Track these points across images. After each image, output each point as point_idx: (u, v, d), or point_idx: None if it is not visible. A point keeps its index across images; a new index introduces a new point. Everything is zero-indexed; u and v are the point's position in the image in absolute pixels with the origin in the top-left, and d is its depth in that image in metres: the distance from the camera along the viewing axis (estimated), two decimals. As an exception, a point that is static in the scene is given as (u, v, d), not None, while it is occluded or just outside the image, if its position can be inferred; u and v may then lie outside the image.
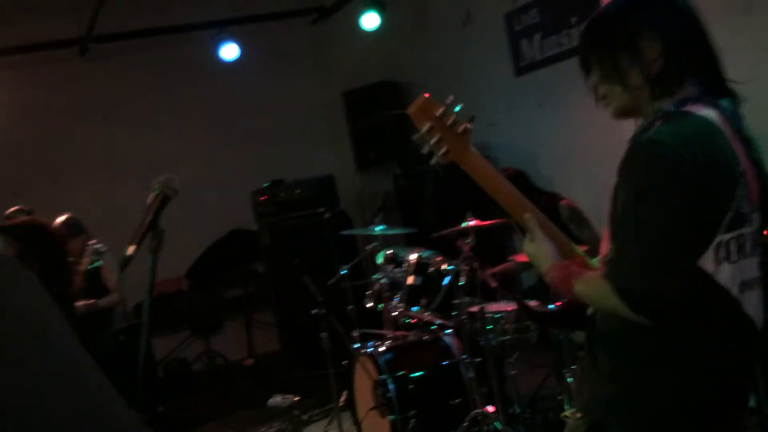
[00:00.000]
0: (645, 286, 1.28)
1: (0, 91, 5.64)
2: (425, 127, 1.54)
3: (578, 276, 1.44)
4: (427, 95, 1.56)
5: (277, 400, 4.90)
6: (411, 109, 1.56)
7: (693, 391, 1.35)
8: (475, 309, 3.23)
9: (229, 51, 6.00)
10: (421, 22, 6.04)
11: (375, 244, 3.94)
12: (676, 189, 1.27)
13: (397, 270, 3.58)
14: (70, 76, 5.99)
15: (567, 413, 2.54)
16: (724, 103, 1.39)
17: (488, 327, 3.17)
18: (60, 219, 4.18)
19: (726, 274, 1.32)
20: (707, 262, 1.31)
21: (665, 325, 1.32)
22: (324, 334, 3.32)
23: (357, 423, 3.62)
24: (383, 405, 3.30)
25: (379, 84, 6.09)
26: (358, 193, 6.66)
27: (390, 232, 3.97)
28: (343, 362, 3.68)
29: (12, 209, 4.33)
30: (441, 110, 1.54)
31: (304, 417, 4.47)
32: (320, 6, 6.71)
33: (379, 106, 5.95)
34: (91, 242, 4.20)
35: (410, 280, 3.46)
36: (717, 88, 1.40)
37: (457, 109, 1.55)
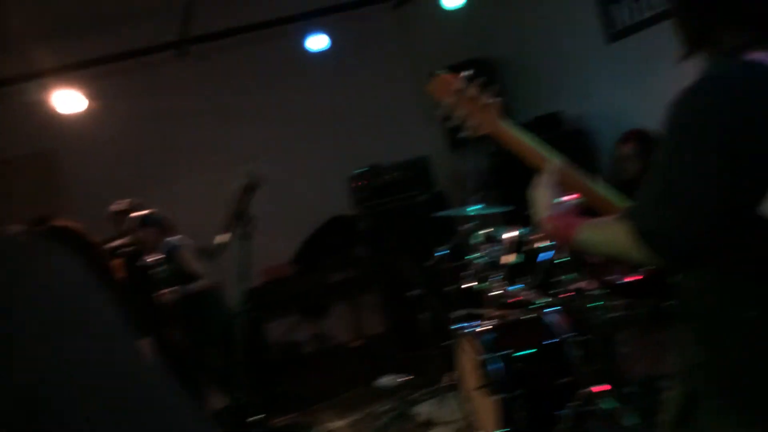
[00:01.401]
0: (660, 224, 1.21)
1: (106, 99, 6.01)
2: (447, 102, 1.54)
3: (581, 224, 1.38)
4: (443, 73, 1.56)
5: (385, 380, 5.01)
6: (429, 87, 1.57)
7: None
8: (579, 285, 3.14)
9: (317, 42, 6.13)
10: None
11: (471, 224, 3.92)
12: (706, 127, 1.20)
13: (494, 249, 3.54)
14: (170, 78, 6.29)
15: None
16: None
17: (593, 303, 3.08)
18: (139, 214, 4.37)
19: None
20: None
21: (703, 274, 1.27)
22: (424, 315, 3.35)
23: (464, 402, 3.64)
24: (488, 385, 3.29)
25: (467, 62, 5.98)
26: (454, 173, 6.62)
27: (486, 211, 3.93)
28: (445, 342, 3.71)
29: (124, 201, 4.64)
30: (458, 86, 1.53)
31: (413, 396, 4.55)
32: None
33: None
34: (169, 237, 4.34)
35: (508, 258, 3.42)
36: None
37: (471, 80, 1.54)
